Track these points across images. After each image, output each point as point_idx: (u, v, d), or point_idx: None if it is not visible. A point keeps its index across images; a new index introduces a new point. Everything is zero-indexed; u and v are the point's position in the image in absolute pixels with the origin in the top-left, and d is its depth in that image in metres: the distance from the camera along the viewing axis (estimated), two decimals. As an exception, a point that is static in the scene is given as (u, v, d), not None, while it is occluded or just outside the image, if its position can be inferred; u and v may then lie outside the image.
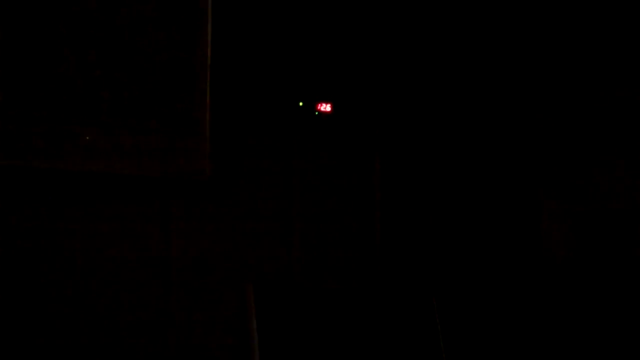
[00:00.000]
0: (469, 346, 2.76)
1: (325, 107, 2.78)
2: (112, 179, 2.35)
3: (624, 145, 2.73)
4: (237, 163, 2.59)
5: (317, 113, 2.77)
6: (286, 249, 2.63)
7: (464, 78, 2.97)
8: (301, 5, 2.77)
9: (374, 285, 2.70)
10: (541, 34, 2.89)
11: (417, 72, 2.95)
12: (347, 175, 2.79)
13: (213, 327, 2.45)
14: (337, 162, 2.78)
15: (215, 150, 2.51)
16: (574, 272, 2.78)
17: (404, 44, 2.94)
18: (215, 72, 2.54)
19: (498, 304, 2.83)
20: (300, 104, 2.76)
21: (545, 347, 2.77)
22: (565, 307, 2.76)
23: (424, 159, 2.92)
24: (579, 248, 2.79)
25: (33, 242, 2.23)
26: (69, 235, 2.28)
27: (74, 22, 2.32)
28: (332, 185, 2.75)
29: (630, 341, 2.62)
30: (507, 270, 2.86)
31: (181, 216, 2.46)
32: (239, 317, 2.32)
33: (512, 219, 2.90)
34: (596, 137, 2.79)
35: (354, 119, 2.83)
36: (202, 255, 2.48)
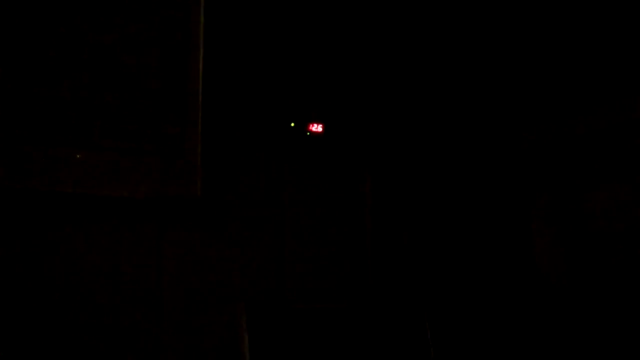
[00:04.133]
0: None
1: (317, 128, 2.79)
2: (105, 201, 2.35)
3: (617, 168, 2.74)
4: (229, 184, 2.59)
5: (308, 133, 2.78)
6: (278, 268, 2.63)
7: (455, 99, 2.99)
8: (291, 27, 2.79)
9: (366, 304, 2.69)
10: (537, 47, 2.91)
11: (408, 94, 2.97)
12: (339, 194, 2.79)
13: (205, 347, 2.44)
14: (328, 182, 2.78)
15: (206, 171, 2.51)
16: (566, 292, 2.78)
17: (395, 66, 2.96)
18: (207, 94, 2.55)
19: (489, 321, 2.83)
20: (292, 124, 2.77)
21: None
22: (558, 327, 2.76)
23: (415, 179, 2.93)
24: (571, 269, 2.79)
25: (23, 263, 2.22)
26: (62, 254, 2.28)
27: (67, 47, 2.33)
28: (324, 205, 2.76)
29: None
30: (498, 289, 2.85)
31: (173, 236, 2.46)
32: (231, 337, 2.32)
33: (503, 237, 2.90)
34: (588, 159, 2.80)
35: (345, 139, 2.84)
36: (194, 275, 2.48)
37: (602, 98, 2.67)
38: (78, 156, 2.28)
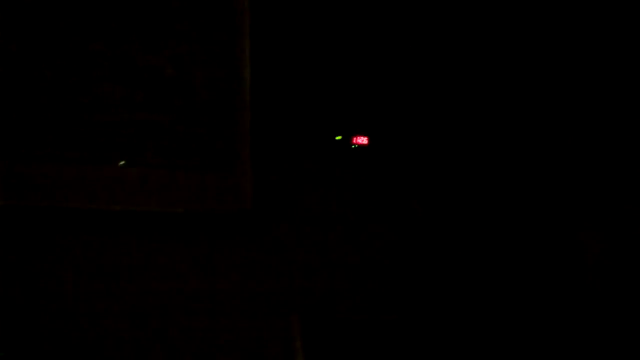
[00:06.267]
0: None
1: (362, 141, 2.83)
2: (158, 217, 2.42)
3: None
4: (277, 197, 2.64)
5: (353, 146, 2.82)
6: (328, 279, 2.67)
7: (506, 111, 3.00)
8: (338, 41, 2.84)
9: (416, 316, 2.72)
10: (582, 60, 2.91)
11: (454, 108, 2.99)
12: (387, 207, 2.82)
13: (260, 359, 2.48)
14: (376, 194, 2.82)
15: (256, 185, 2.57)
16: (614, 301, 2.77)
17: (442, 79, 2.98)
18: (254, 108, 2.61)
19: (540, 330, 2.83)
20: (338, 137, 2.81)
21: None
22: (604, 335, 2.75)
23: (464, 193, 2.94)
24: (620, 279, 2.78)
25: (88, 276, 2.30)
26: (122, 267, 2.34)
27: (121, 68, 2.41)
28: (372, 217, 2.79)
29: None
30: (548, 300, 2.86)
31: (225, 250, 2.51)
32: (286, 349, 2.36)
33: (553, 248, 2.91)
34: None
35: (391, 152, 2.87)
36: (246, 287, 2.53)
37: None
38: (120, 164, 2.35)
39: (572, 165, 2.93)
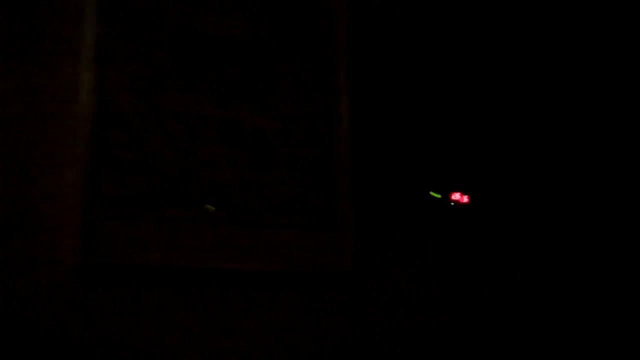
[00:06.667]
0: None
1: (461, 198, 2.81)
2: (259, 275, 2.43)
3: None
4: (377, 256, 2.64)
5: (452, 203, 2.81)
6: (429, 339, 2.64)
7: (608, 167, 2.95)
8: (437, 99, 2.84)
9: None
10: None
11: (556, 162, 2.95)
12: (486, 269, 2.79)
13: None
14: (474, 255, 2.79)
15: (356, 243, 2.57)
16: None
17: (548, 137, 2.95)
18: (354, 166, 2.63)
19: None
20: (437, 195, 2.79)
21: None
22: None
23: (564, 254, 2.89)
24: None
25: (190, 335, 2.32)
26: (219, 326, 2.36)
27: (230, 131, 2.45)
28: (469, 279, 2.76)
29: None
30: None
31: (326, 309, 2.51)
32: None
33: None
34: None
35: (492, 211, 2.84)
36: (347, 345, 2.52)
37: None
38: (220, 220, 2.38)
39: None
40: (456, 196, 2.80)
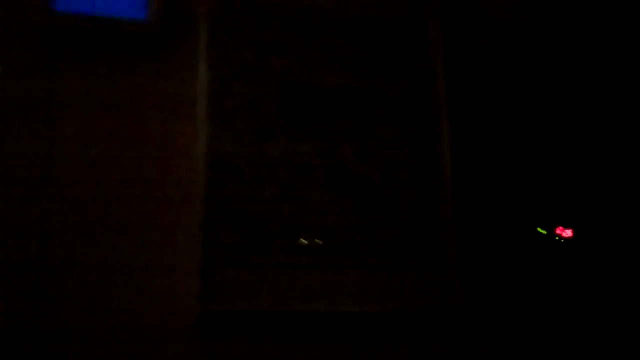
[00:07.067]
0: None
1: (566, 233, 2.81)
2: (371, 317, 2.50)
3: None
4: (483, 292, 2.67)
5: (557, 238, 2.81)
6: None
7: None
8: (536, 135, 2.86)
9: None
10: None
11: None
12: (596, 307, 2.77)
13: None
14: (583, 291, 2.77)
15: (463, 280, 2.61)
16: None
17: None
18: (456, 204, 2.67)
19: None
20: (542, 230, 2.80)
21: None
22: None
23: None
24: None
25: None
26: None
27: (335, 175, 2.56)
28: (579, 318, 2.74)
29: None
30: None
31: (438, 348, 2.55)
32: None
33: None
34: None
35: (599, 246, 2.82)
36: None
37: None
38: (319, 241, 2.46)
39: None
40: (561, 230, 2.80)
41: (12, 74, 2.33)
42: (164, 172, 2.39)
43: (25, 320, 2.18)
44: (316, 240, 2.48)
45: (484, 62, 2.89)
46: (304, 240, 2.47)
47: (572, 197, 2.87)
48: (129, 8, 2.35)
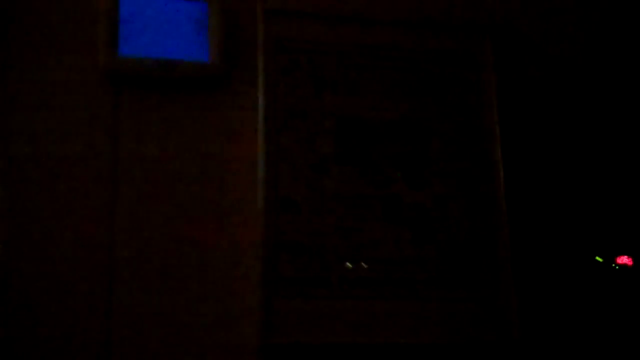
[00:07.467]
0: None
1: (626, 261, 2.79)
2: (425, 348, 2.53)
3: None
4: (541, 324, 2.67)
5: (616, 266, 2.79)
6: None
7: None
8: (597, 167, 2.85)
9: None
10: None
11: None
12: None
13: None
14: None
15: (520, 313, 2.61)
16: None
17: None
18: (512, 235, 2.69)
19: None
20: (599, 259, 2.79)
21: None
22: None
23: None
24: None
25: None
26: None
27: (388, 205, 2.60)
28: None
29: None
30: None
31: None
32: None
33: None
34: None
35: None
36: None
37: None
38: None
39: None
40: (622, 260, 2.79)
41: (78, 118, 2.44)
42: (222, 214, 2.47)
43: None
44: (372, 270, 2.52)
45: (535, 92, 2.90)
46: (360, 271, 2.51)
47: (631, 224, 2.85)
48: (191, 50, 2.44)
